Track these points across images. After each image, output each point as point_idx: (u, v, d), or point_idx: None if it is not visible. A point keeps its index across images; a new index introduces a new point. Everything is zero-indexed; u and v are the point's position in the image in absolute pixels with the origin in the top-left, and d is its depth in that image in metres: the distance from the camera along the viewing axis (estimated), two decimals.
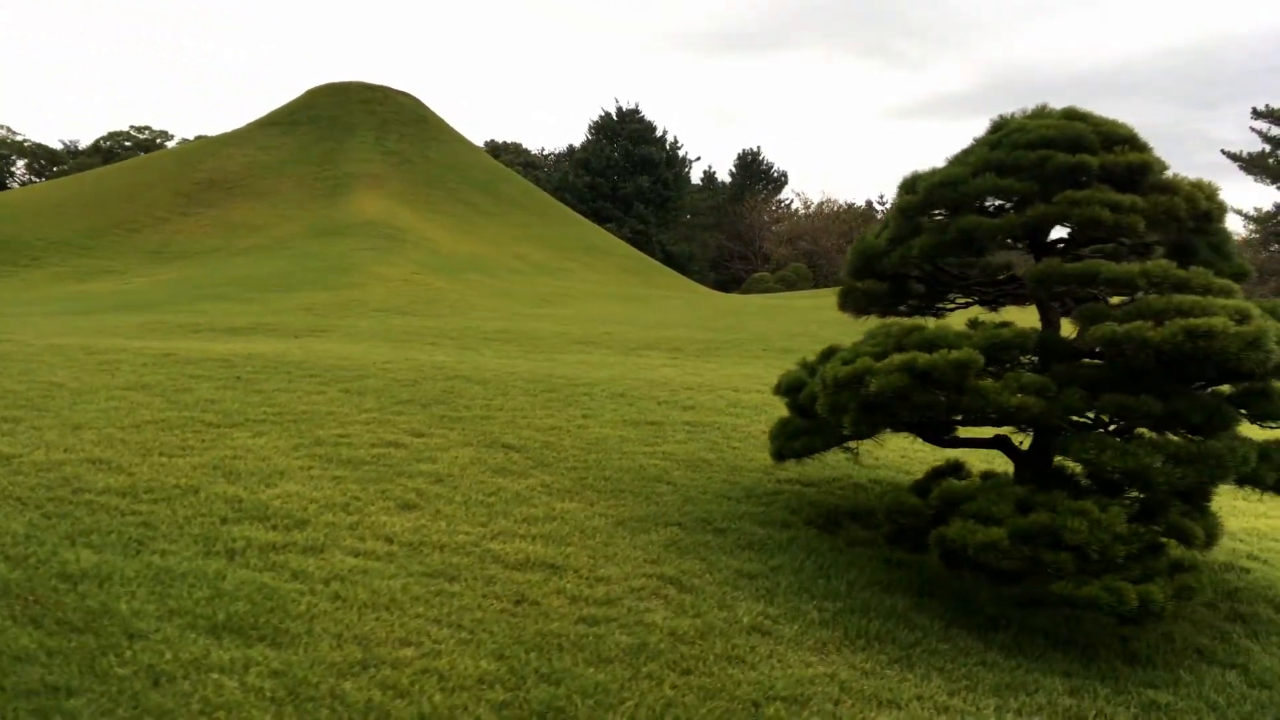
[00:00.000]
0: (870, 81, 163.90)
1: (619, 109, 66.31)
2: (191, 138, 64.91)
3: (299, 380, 10.31)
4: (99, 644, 4.39)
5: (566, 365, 13.45)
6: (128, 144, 71.06)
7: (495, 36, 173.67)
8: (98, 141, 71.90)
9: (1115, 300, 6.46)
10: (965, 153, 6.97)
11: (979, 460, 7.99)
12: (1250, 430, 6.49)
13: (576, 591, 5.62)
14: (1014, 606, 6.06)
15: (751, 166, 73.75)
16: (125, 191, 40.70)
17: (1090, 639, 5.95)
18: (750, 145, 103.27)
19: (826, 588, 6.11)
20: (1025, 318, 6.92)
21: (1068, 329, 6.65)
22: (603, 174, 63.46)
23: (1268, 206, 52.17)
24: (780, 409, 7.88)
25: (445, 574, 5.64)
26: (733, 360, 15.80)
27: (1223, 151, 64.22)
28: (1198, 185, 6.53)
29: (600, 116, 66.43)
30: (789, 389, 7.58)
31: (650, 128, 65.82)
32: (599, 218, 56.76)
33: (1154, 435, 6.08)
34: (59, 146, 73.32)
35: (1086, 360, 6.38)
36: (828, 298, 7.78)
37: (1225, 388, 6.32)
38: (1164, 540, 6.06)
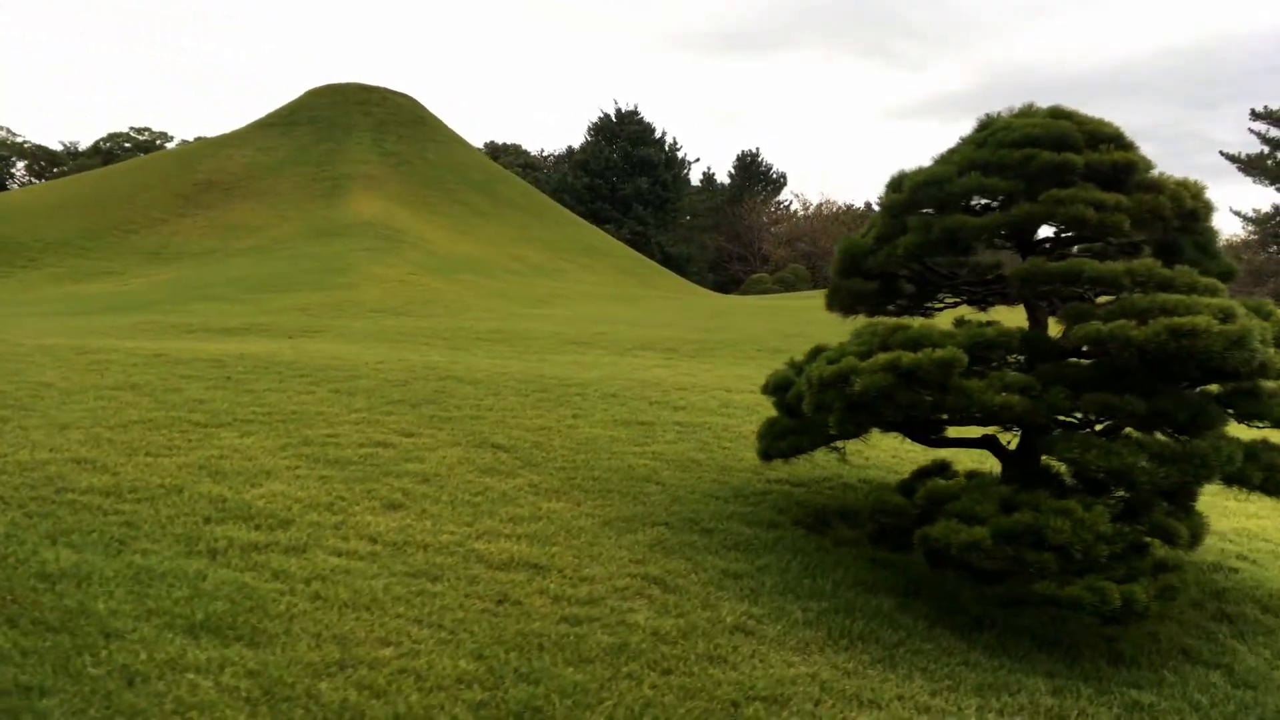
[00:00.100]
0: (870, 82, 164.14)
1: (618, 110, 66.38)
2: (191, 139, 64.95)
3: (289, 380, 10.30)
4: (74, 644, 4.38)
5: (559, 365, 13.44)
6: (127, 145, 71.08)
7: (494, 37, 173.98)
8: (97, 143, 71.93)
9: (1101, 299, 6.45)
10: (951, 151, 6.96)
11: (970, 460, 7.97)
12: (1239, 430, 6.47)
13: (559, 591, 5.60)
14: (998, 606, 6.05)
15: (751, 167, 73.76)
16: (123, 192, 40.69)
17: (1075, 639, 5.93)
18: (749, 146, 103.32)
19: (812, 587, 6.09)
20: (1015, 317, 6.90)
21: (1055, 328, 6.64)
22: (602, 175, 63.46)
23: (1266, 208, 52.13)
24: (771, 409, 7.86)
25: (428, 574, 5.63)
26: (726, 361, 15.77)
27: (1221, 153, 64.40)
28: (1183, 184, 6.52)
29: (599, 118, 66.50)
30: (776, 388, 7.54)
31: (649, 129, 65.83)
32: (598, 219, 56.74)
33: (1140, 434, 6.06)
34: (59, 148, 73.48)
35: (1072, 359, 6.37)
36: (823, 299, 7.76)
37: (1214, 387, 6.30)
38: (1148, 540, 6.04)
